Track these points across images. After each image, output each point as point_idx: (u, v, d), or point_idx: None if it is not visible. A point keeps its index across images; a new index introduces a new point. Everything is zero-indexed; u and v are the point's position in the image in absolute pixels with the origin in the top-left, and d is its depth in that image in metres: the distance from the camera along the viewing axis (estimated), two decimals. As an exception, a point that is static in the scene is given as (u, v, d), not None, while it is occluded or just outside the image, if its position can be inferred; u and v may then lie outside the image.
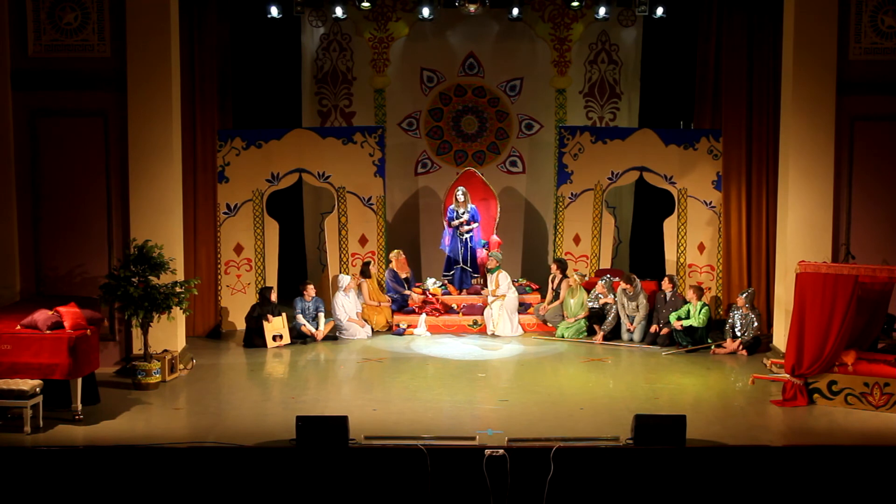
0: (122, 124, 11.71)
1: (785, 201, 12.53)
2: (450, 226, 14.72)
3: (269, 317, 13.22)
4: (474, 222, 14.68)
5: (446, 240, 14.80)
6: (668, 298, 13.42)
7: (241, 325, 14.10)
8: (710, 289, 14.35)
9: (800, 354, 10.44)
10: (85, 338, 9.84)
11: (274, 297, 13.54)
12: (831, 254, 12.11)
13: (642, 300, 13.48)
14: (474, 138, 16.37)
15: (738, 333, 12.91)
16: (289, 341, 13.29)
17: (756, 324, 12.88)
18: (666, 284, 13.51)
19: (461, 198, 14.63)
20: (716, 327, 13.69)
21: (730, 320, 13.08)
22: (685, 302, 13.38)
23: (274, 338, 13.18)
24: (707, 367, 12.20)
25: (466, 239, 14.67)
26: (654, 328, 13.36)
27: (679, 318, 13.17)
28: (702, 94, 14.68)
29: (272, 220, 14.44)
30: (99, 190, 11.79)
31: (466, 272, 14.72)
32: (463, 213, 14.62)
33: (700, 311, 13.15)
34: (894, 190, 12.37)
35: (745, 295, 13.08)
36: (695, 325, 13.09)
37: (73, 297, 10.92)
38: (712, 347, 12.97)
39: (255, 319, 13.23)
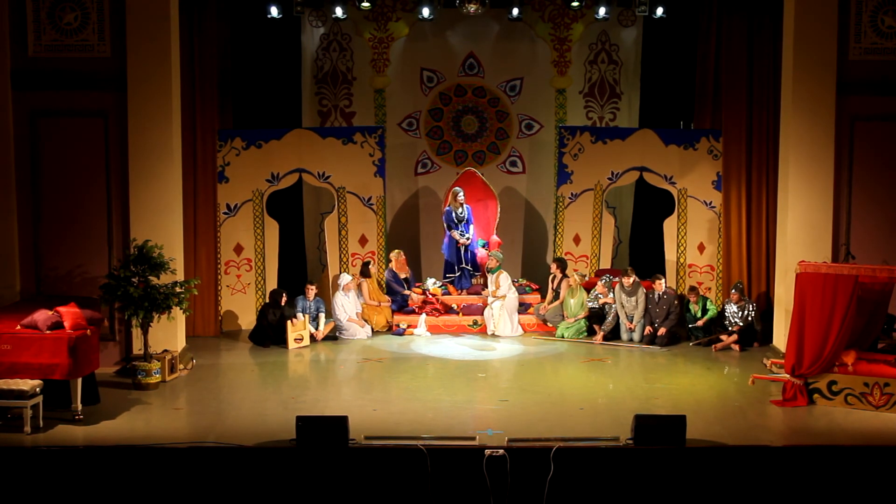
0: (122, 124, 11.72)
1: (785, 201, 12.54)
2: (448, 229, 14.72)
3: (294, 319, 13.22)
4: (471, 225, 14.68)
5: (447, 241, 14.80)
6: (658, 298, 13.44)
7: (240, 326, 14.14)
8: (710, 289, 14.35)
9: (800, 354, 10.44)
10: (85, 338, 9.84)
11: (284, 300, 13.47)
12: (831, 254, 12.12)
13: (641, 296, 13.49)
14: (474, 138, 16.36)
15: (738, 322, 13.05)
16: (308, 343, 13.28)
17: (747, 313, 13.02)
18: (659, 285, 13.51)
19: (461, 198, 14.64)
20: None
21: (727, 313, 13.22)
22: (677, 298, 13.48)
23: (295, 339, 13.17)
24: (707, 367, 12.21)
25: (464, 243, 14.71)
26: (647, 330, 13.36)
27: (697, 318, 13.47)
28: (702, 94, 14.67)
29: (272, 220, 14.44)
30: (99, 190, 11.79)
31: (467, 272, 14.72)
32: (462, 213, 14.62)
33: (704, 303, 13.44)
34: (894, 190, 12.38)
35: (734, 290, 13.28)
36: (710, 315, 13.37)
37: (73, 297, 10.92)
38: (714, 344, 13.07)
39: (273, 322, 13.19)
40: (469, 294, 14.64)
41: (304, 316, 13.41)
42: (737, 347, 12.95)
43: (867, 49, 12.20)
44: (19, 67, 11.61)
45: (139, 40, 11.60)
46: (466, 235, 14.65)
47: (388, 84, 16.08)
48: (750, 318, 13.10)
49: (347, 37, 16.00)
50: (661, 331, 13.24)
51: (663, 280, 13.65)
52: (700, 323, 13.40)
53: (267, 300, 13.75)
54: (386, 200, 15.00)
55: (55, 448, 8.92)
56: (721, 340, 13.11)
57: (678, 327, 13.52)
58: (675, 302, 13.45)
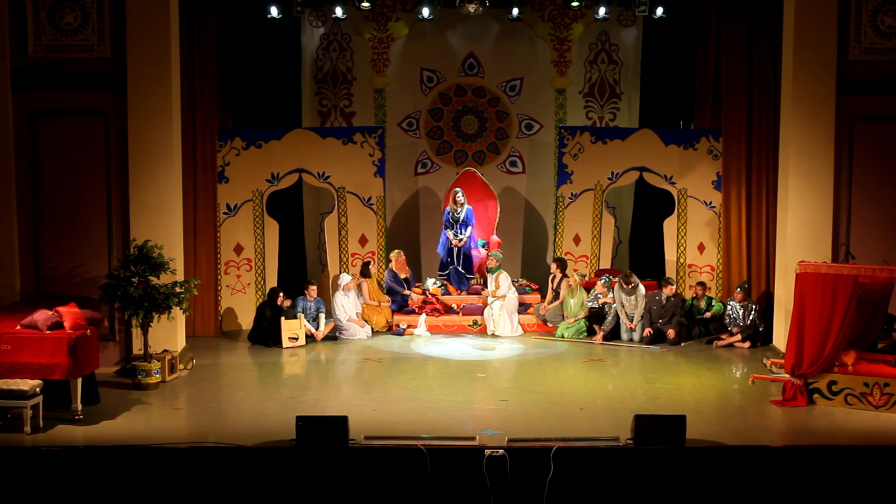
0: (122, 124, 11.71)
1: (785, 201, 12.54)
2: (446, 228, 14.72)
3: (290, 308, 13.23)
4: (469, 226, 14.67)
5: (443, 239, 14.80)
6: (665, 300, 13.42)
7: (240, 326, 14.15)
8: (710, 289, 14.36)
9: (800, 354, 10.44)
10: (85, 338, 9.84)
11: (280, 300, 13.46)
12: (831, 254, 12.12)
13: (641, 296, 13.48)
14: (474, 138, 16.36)
15: (739, 323, 13.09)
16: (303, 343, 13.27)
17: (752, 313, 13.04)
18: (669, 290, 13.47)
19: (460, 199, 14.64)
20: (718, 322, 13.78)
21: (729, 311, 13.23)
22: (683, 302, 13.47)
23: (290, 338, 13.18)
24: (707, 367, 12.20)
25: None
26: (647, 331, 13.35)
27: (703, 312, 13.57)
28: (702, 94, 14.68)
29: (272, 220, 14.45)
30: (99, 190, 11.79)
31: (460, 273, 14.71)
32: (458, 214, 14.61)
33: (709, 301, 13.59)
34: (894, 190, 12.38)
35: (739, 288, 13.28)
36: (716, 310, 13.47)
37: (73, 297, 10.92)
38: (714, 341, 13.14)
39: (270, 319, 13.19)
40: (469, 294, 14.64)
41: (300, 315, 13.40)
42: (744, 346, 13.02)
43: (867, 49, 12.20)
44: (19, 67, 11.61)
45: (139, 40, 11.59)
46: (459, 237, 14.64)
47: (388, 84, 16.09)
48: (753, 318, 13.11)
49: (347, 37, 16.01)
50: (671, 333, 13.22)
51: (673, 286, 13.59)
52: (708, 315, 13.45)
53: (265, 299, 13.76)
54: (386, 200, 15.01)
55: (55, 448, 8.91)
56: (721, 339, 13.16)
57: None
58: (681, 305, 13.45)
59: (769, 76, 13.82)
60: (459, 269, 14.70)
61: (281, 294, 13.50)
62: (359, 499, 8.66)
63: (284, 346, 13.10)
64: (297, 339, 13.24)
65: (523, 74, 16.24)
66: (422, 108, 16.27)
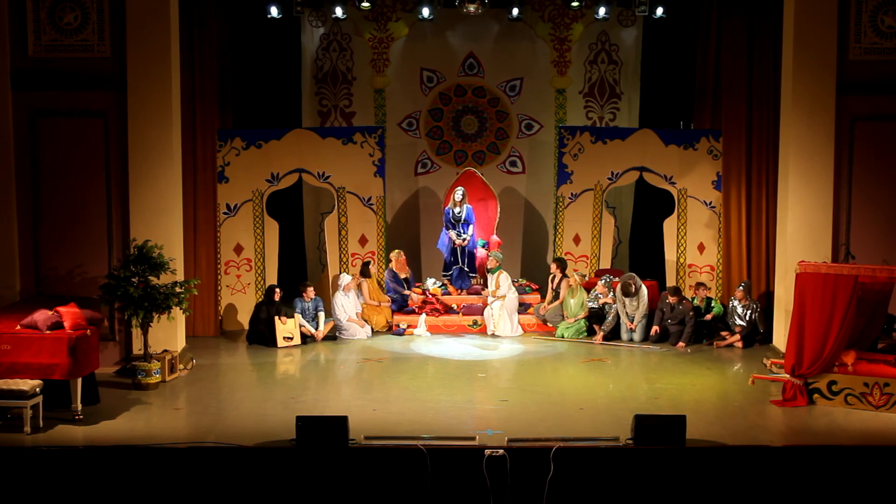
0: (122, 124, 11.71)
1: (785, 201, 12.54)
2: (447, 228, 14.73)
3: (283, 318, 13.20)
4: (470, 224, 14.67)
5: (445, 239, 14.81)
6: (672, 308, 13.38)
7: (240, 326, 14.14)
8: (710, 289, 14.35)
9: (800, 354, 10.44)
10: (85, 338, 9.84)
11: (278, 296, 13.48)
12: (831, 254, 12.12)
13: (643, 294, 13.46)
14: (474, 138, 16.36)
15: (737, 321, 13.11)
16: (300, 342, 13.27)
17: (751, 313, 13.08)
18: (672, 299, 13.42)
19: (459, 197, 14.64)
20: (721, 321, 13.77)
21: (729, 309, 13.31)
22: (692, 310, 13.39)
23: (285, 338, 13.17)
24: (707, 367, 12.21)
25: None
26: (654, 330, 13.35)
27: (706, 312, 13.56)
28: (702, 94, 14.68)
29: (272, 220, 14.45)
30: (99, 190, 11.79)
31: (464, 272, 14.72)
32: (459, 213, 14.61)
33: (708, 302, 13.59)
34: (894, 190, 12.38)
35: (741, 287, 13.28)
36: (716, 312, 13.47)
37: (73, 297, 10.91)
38: (714, 342, 13.17)
39: (265, 319, 13.19)
40: (469, 294, 14.64)
41: (296, 315, 13.38)
42: (740, 345, 13.01)
43: (867, 49, 12.20)
44: (19, 67, 11.61)
45: (139, 40, 11.60)
46: (463, 236, 14.64)
47: (388, 84, 16.09)
48: (754, 318, 13.12)
49: (347, 37, 16.01)
50: (681, 346, 13.12)
51: (677, 297, 13.47)
52: (708, 317, 13.44)
53: (263, 298, 13.76)
54: (386, 200, 15.01)
55: (55, 448, 8.91)
56: (724, 338, 13.18)
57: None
58: (691, 314, 13.30)
59: (769, 76, 13.82)
60: (465, 268, 14.71)
61: (278, 290, 13.50)
62: (359, 499, 8.66)
63: (279, 346, 13.08)
64: (291, 338, 13.21)
65: (523, 74, 16.24)
66: (422, 108, 16.27)
